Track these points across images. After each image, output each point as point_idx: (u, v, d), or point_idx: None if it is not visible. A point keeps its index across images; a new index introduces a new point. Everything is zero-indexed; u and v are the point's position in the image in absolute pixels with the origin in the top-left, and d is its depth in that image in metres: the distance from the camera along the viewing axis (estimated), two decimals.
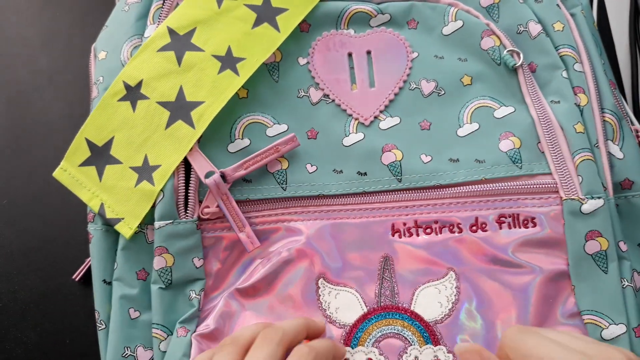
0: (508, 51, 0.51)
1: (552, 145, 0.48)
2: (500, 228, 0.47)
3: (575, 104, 0.49)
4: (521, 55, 0.50)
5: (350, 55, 0.52)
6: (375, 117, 0.50)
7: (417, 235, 0.48)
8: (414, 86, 0.51)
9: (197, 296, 0.47)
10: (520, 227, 0.47)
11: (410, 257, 0.47)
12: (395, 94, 0.51)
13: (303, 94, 0.51)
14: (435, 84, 0.51)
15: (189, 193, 0.47)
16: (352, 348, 0.46)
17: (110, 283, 0.48)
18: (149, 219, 0.47)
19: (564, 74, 0.50)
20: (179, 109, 0.48)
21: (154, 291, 0.46)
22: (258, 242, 0.48)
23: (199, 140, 0.49)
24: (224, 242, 0.48)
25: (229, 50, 0.49)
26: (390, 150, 0.49)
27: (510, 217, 0.47)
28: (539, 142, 0.49)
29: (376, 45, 0.52)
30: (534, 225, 0.47)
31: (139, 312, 0.47)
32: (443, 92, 0.51)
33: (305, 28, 0.52)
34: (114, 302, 0.47)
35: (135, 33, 0.51)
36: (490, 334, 0.45)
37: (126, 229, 0.47)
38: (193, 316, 0.46)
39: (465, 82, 0.51)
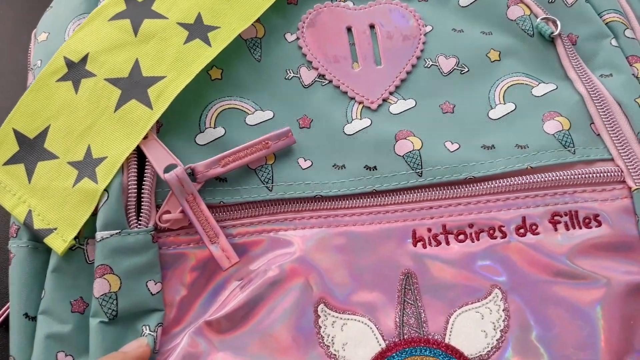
0: (542, 19, 0.41)
1: (610, 125, 0.38)
2: (556, 230, 0.36)
3: (633, 74, 0.39)
4: (558, 23, 0.41)
5: (349, 29, 0.42)
6: (384, 100, 0.40)
7: (447, 243, 0.36)
8: (430, 63, 0.41)
9: (152, 333, 0.34)
10: (581, 228, 0.36)
11: (439, 272, 0.36)
12: (408, 73, 0.41)
13: (292, 74, 0.40)
14: (456, 61, 0.41)
15: (143, 194, 0.36)
16: None
17: (34, 318, 0.35)
18: (90, 232, 0.36)
19: (613, 42, 0.40)
20: (133, 86, 0.37)
21: (94, 327, 0.34)
22: (236, 257, 0.36)
23: (157, 129, 0.38)
24: (190, 261, 0.36)
25: (198, 18, 0.39)
26: (405, 138, 0.38)
27: (566, 215, 0.36)
28: (592, 123, 0.39)
29: (381, 18, 0.42)
30: (599, 224, 0.36)
31: (72, 358, 0.34)
32: (466, 70, 0.41)
33: (294, 0, 0.42)
34: (37, 344, 0.34)
35: (84, 11, 0.42)
36: None
37: (59, 242, 0.35)
38: None
39: (493, 58, 0.41)
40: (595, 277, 0.35)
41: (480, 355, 0.34)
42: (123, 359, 0.32)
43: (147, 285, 0.35)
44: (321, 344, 0.34)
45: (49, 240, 0.35)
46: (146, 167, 0.36)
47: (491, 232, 0.36)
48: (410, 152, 0.38)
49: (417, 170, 0.37)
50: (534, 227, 0.36)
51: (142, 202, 0.36)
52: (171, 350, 0.34)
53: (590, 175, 0.37)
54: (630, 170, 0.37)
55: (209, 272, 0.36)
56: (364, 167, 0.38)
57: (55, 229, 0.35)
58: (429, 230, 0.37)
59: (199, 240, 0.36)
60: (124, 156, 0.36)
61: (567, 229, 0.36)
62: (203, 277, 0.36)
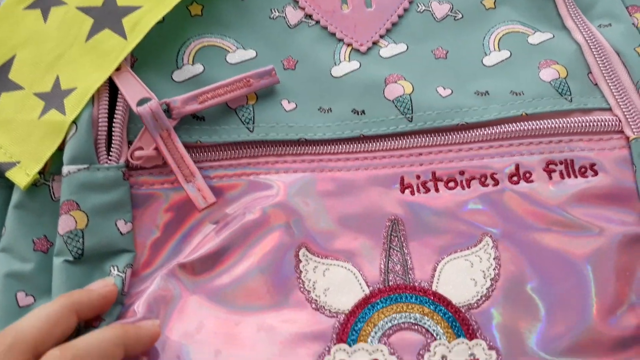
0: None
1: (608, 74, 0.37)
2: (550, 178, 0.34)
3: (633, 24, 0.38)
4: None
5: None
6: (374, 43, 0.38)
7: (437, 190, 0.34)
8: (423, 8, 0.39)
9: (121, 274, 0.32)
10: (576, 177, 0.34)
11: (427, 219, 0.34)
12: (399, 16, 0.39)
13: (277, 14, 0.38)
14: (450, 7, 0.39)
15: (114, 128, 0.33)
16: (350, 345, 0.31)
17: None
18: (57, 168, 0.33)
19: None
20: (107, 15, 0.35)
21: (57, 266, 0.31)
22: (213, 197, 0.33)
23: (132, 64, 0.35)
24: (164, 202, 0.34)
25: None
26: (396, 82, 0.36)
27: (562, 163, 0.35)
28: (590, 72, 0.37)
29: None
30: (595, 173, 0.34)
31: (33, 298, 0.32)
32: (460, 16, 0.39)
33: None
34: None
35: None
36: (555, 328, 0.31)
37: (22, 176, 0.33)
38: (115, 302, 0.31)
39: (488, 5, 0.40)
40: (590, 226, 0.33)
41: (469, 303, 0.32)
42: (87, 297, 0.29)
43: (116, 225, 0.32)
44: (301, 289, 0.32)
45: (11, 174, 0.33)
46: (118, 100, 0.34)
47: (483, 179, 0.34)
48: (400, 96, 0.36)
49: (407, 115, 0.35)
50: (527, 175, 0.34)
51: (113, 136, 0.33)
52: (140, 292, 0.32)
53: (588, 123, 0.35)
54: (629, 120, 0.35)
55: (183, 214, 0.34)
56: (352, 111, 0.36)
57: (19, 162, 0.33)
58: (418, 177, 0.35)
59: (173, 181, 0.34)
60: (94, 87, 0.33)
61: (562, 178, 0.34)
62: (177, 219, 0.34)
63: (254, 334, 0.31)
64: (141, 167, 0.34)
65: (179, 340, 0.31)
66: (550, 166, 0.35)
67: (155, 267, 0.33)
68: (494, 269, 0.33)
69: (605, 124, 0.35)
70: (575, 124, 0.35)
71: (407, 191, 0.34)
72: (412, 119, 0.35)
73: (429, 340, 0.31)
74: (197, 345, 0.31)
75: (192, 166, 0.33)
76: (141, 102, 0.33)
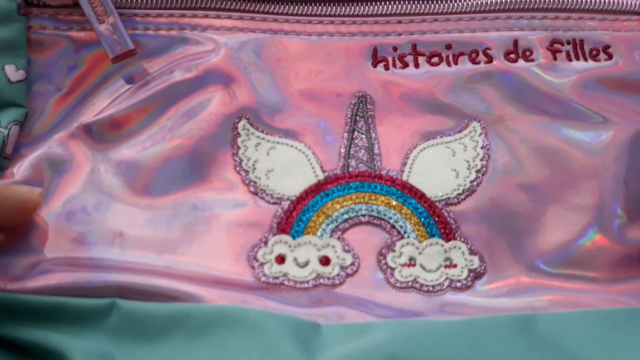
0: None
1: None
2: (555, 59, 0.28)
3: None
4: None
5: None
6: None
7: (417, 66, 0.28)
8: None
9: (3, 130, 0.24)
10: (586, 59, 0.28)
11: (403, 99, 0.27)
12: None
13: None
14: None
15: None
16: (294, 238, 0.24)
17: None
18: None
19: None
20: None
21: None
22: (131, 44, 0.26)
23: None
24: (68, 49, 0.27)
25: None
26: None
27: (569, 43, 0.28)
28: None
29: None
30: (608, 57, 0.28)
31: None
32: None
33: None
34: None
35: None
36: (553, 235, 0.25)
37: None
38: None
39: None
40: (598, 117, 0.27)
41: (448, 197, 0.25)
42: None
43: (4, 69, 0.25)
44: (237, 168, 0.25)
45: None
46: None
47: (473, 55, 0.28)
48: None
49: None
50: (527, 53, 0.28)
51: None
52: (27, 154, 0.25)
53: (602, 0, 0.29)
54: None
55: (91, 65, 0.26)
56: None
57: None
58: (395, 49, 0.28)
59: (83, 23, 0.26)
60: None
61: (569, 59, 0.28)
62: (83, 72, 0.26)
63: (168, 217, 0.24)
64: (44, 4, 0.26)
65: (69, 215, 0.24)
66: (556, 45, 0.28)
67: (50, 127, 0.25)
68: (481, 160, 0.26)
69: (622, 2, 0.29)
70: (587, 0, 0.29)
71: (380, 65, 0.28)
72: None
73: (394, 238, 0.25)
74: (94, 226, 0.24)
75: (109, 4, 0.26)
76: None
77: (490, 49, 0.28)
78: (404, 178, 0.26)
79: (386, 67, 0.28)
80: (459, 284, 0.24)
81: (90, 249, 0.23)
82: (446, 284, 0.24)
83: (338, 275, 0.24)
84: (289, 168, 0.26)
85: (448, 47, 0.28)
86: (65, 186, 0.24)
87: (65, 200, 0.24)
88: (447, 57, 0.28)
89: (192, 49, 0.27)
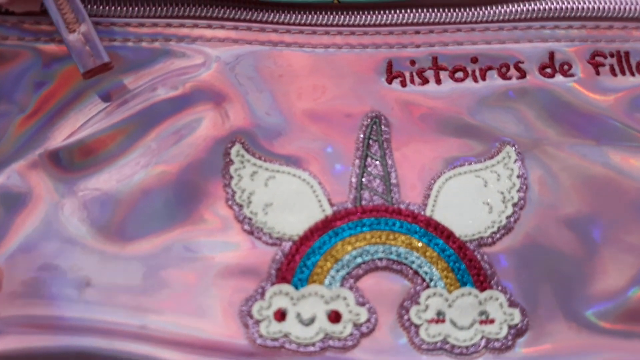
0: None
1: None
2: (597, 74, 0.24)
3: None
4: None
5: None
6: None
7: (438, 82, 0.24)
8: None
9: None
10: (633, 74, 0.24)
11: (424, 120, 0.23)
12: None
13: None
14: None
15: None
16: (297, 288, 0.20)
17: None
18: None
19: None
20: None
21: None
22: (106, 57, 0.22)
23: None
24: (34, 62, 0.23)
25: None
26: None
27: (612, 56, 0.25)
28: None
29: None
30: None
31: None
32: None
33: None
34: None
35: None
36: (608, 281, 0.21)
37: None
38: None
39: None
40: None
41: (481, 237, 0.21)
42: None
43: None
44: (230, 202, 0.21)
45: None
46: None
47: (504, 70, 0.24)
48: None
49: None
50: (565, 67, 0.24)
51: None
52: None
53: None
54: None
55: (61, 81, 0.22)
56: None
57: None
58: (412, 63, 0.24)
59: (53, 33, 0.23)
60: None
61: (614, 74, 0.24)
62: (52, 89, 0.22)
63: (145, 265, 0.20)
64: (7, 11, 0.23)
65: (23, 262, 0.19)
66: (597, 58, 0.24)
67: (10, 153, 0.21)
68: (518, 191, 0.22)
69: None
70: (633, 7, 0.25)
71: (395, 81, 0.24)
72: None
73: (418, 288, 0.20)
74: (54, 274, 0.20)
75: (81, 10, 0.22)
76: None
77: (522, 63, 0.24)
78: (428, 213, 0.22)
79: (403, 84, 0.24)
80: (497, 344, 0.20)
81: (48, 304, 0.19)
82: (482, 344, 0.20)
83: (351, 335, 0.19)
84: (291, 202, 0.21)
85: (474, 60, 0.24)
86: (21, 226, 0.20)
87: (21, 243, 0.20)
88: (474, 71, 0.24)
89: (179, 63, 0.23)
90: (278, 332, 0.19)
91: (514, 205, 0.22)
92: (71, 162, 0.21)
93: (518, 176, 0.22)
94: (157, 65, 0.23)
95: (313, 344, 0.19)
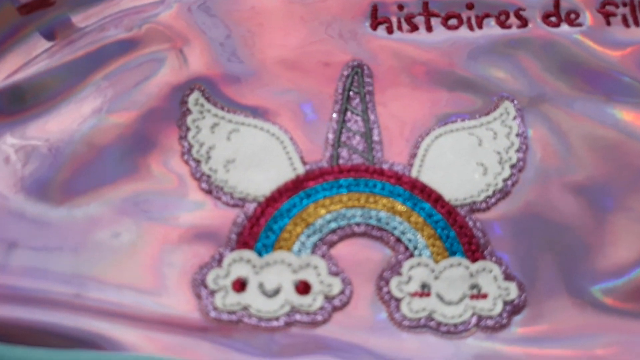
0: None
1: None
2: (608, 24, 0.22)
3: None
4: None
5: None
6: None
7: (429, 29, 0.21)
8: None
9: None
10: None
11: (411, 70, 0.21)
12: None
13: None
14: None
15: None
16: (260, 254, 0.17)
17: None
18: None
19: None
20: None
21: None
22: None
23: None
24: None
25: None
26: None
27: (625, 5, 0.22)
28: None
29: None
30: None
31: None
32: None
33: None
34: None
35: None
36: (616, 254, 0.18)
37: None
38: None
39: None
40: None
41: (474, 201, 0.19)
42: None
43: None
44: (186, 157, 0.19)
45: None
46: None
47: (502, 17, 0.21)
48: None
49: None
50: (572, 16, 0.22)
51: None
52: None
53: None
54: None
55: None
56: None
57: None
58: (400, 8, 0.21)
59: None
60: None
61: (626, 25, 0.22)
62: None
63: (82, 224, 0.17)
64: None
65: None
66: (608, 7, 0.22)
67: None
68: (517, 151, 0.19)
69: None
70: None
71: (381, 28, 0.21)
72: None
73: (400, 257, 0.18)
74: None
75: None
76: None
77: (523, 10, 0.22)
78: (414, 174, 0.19)
79: (389, 30, 0.21)
80: (490, 322, 0.17)
81: None
82: (473, 321, 0.17)
83: (321, 309, 0.17)
84: (257, 158, 0.19)
85: (469, 6, 0.22)
86: None
87: None
88: (469, 19, 0.21)
89: (134, 1, 0.20)
90: (236, 304, 0.16)
91: (512, 166, 0.19)
92: (7, 106, 0.19)
93: (517, 135, 0.20)
94: (109, 1, 0.20)
95: (277, 318, 0.16)
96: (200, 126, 0.19)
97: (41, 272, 0.16)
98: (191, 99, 0.19)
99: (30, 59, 0.19)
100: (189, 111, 0.19)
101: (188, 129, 0.19)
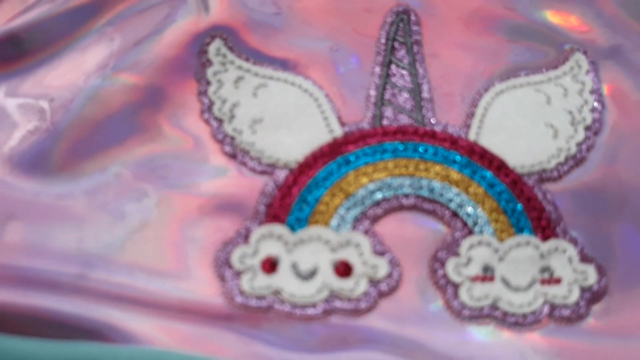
0: None
1: None
2: None
3: None
4: None
5: None
6: None
7: None
8: None
9: None
10: None
11: (465, 15, 0.18)
12: None
13: None
14: None
15: None
16: (293, 229, 0.15)
17: None
18: None
19: None
20: None
21: None
22: None
23: None
24: None
25: None
26: None
27: None
28: None
29: None
30: None
31: None
32: None
33: None
34: None
35: None
36: None
37: None
38: None
39: None
40: None
41: (543, 169, 0.16)
42: None
43: None
44: (206, 115, 0.16)
45: None
46: None
47: None
48: None
49: None
50: None
51: None
52: None
53: None
54: None
55: None
56: None
57: None
58: None
59: None
60: None
61: None
62: None
63: (88, 194, 0.15)
64: None
65: None
66: None
67: None
68: (591, 111, 0.17)
69: None
70: None
71: None
72: None
73: (457, 234, 0.15)
74: None
75: None
76: None
77: None
78: (472, 137, 0.16)
79: None
80: (565, 312, 0.14)
81: None
82: (545, 310, 0.14)
83: (365, 294, 0.14)
84: (288, 118, 0.16)
85: None
86: None
87: None
88: None
89: None
90: (266, 287, 0.14)
91: (587, 128, 0.16)
92: (3, 57, 0.16)
93: (591, 91, 0.17)
94: None
95: (313, 305, 0.14)
96: (222, 80, 0.16)
97: (39, 248, 0.14)
98: (212, 48, 0.17)
99: (30, 4, 0.17)
100: (209, 62, 0.16)
101: (208, 83, 0.16)
